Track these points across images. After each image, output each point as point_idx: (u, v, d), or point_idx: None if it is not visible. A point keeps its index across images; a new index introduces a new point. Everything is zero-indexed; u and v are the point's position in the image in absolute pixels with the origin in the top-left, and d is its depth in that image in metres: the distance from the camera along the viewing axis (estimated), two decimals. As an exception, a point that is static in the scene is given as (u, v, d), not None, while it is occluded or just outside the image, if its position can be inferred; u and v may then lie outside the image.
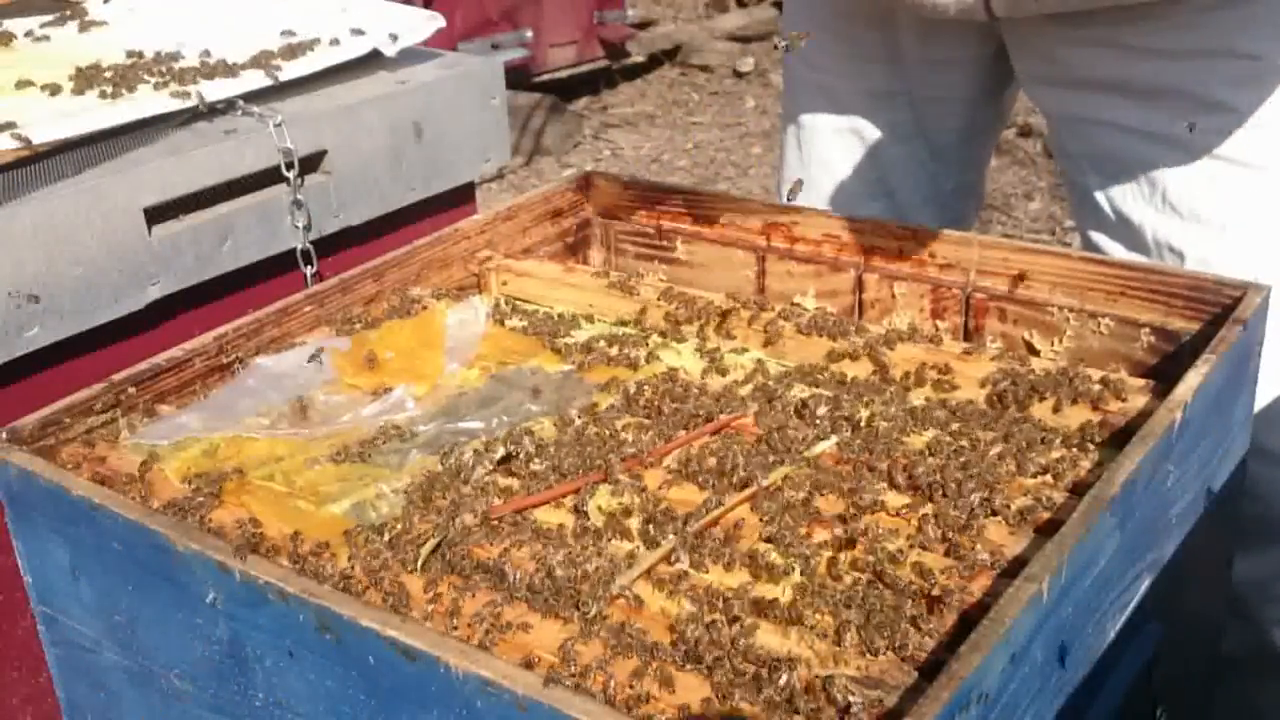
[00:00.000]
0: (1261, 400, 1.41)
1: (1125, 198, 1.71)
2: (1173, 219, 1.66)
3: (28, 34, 1.99)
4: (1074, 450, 1.19)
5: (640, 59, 6.72)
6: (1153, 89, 1.64)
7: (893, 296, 1.54)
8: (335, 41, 1.91)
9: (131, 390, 1.32)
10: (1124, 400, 1.25)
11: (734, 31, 7.07)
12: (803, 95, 2.02)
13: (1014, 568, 1.01)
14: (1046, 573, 0.92)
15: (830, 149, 1.98)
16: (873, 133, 1.94)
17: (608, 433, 1.26)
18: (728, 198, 1.69)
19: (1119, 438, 1.19)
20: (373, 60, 1.92)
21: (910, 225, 1.56)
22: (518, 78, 5.61)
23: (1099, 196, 1.75)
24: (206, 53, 1.85)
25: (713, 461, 1.20)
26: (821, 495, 1.14)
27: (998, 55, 1.82)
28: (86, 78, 1.75)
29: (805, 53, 2.00)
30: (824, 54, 1.94)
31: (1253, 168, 1.62)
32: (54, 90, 1.72)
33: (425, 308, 1.54)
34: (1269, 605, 1.75)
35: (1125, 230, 1.71)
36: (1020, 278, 1.46)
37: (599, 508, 1.14)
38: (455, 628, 0.99)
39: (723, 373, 1.39)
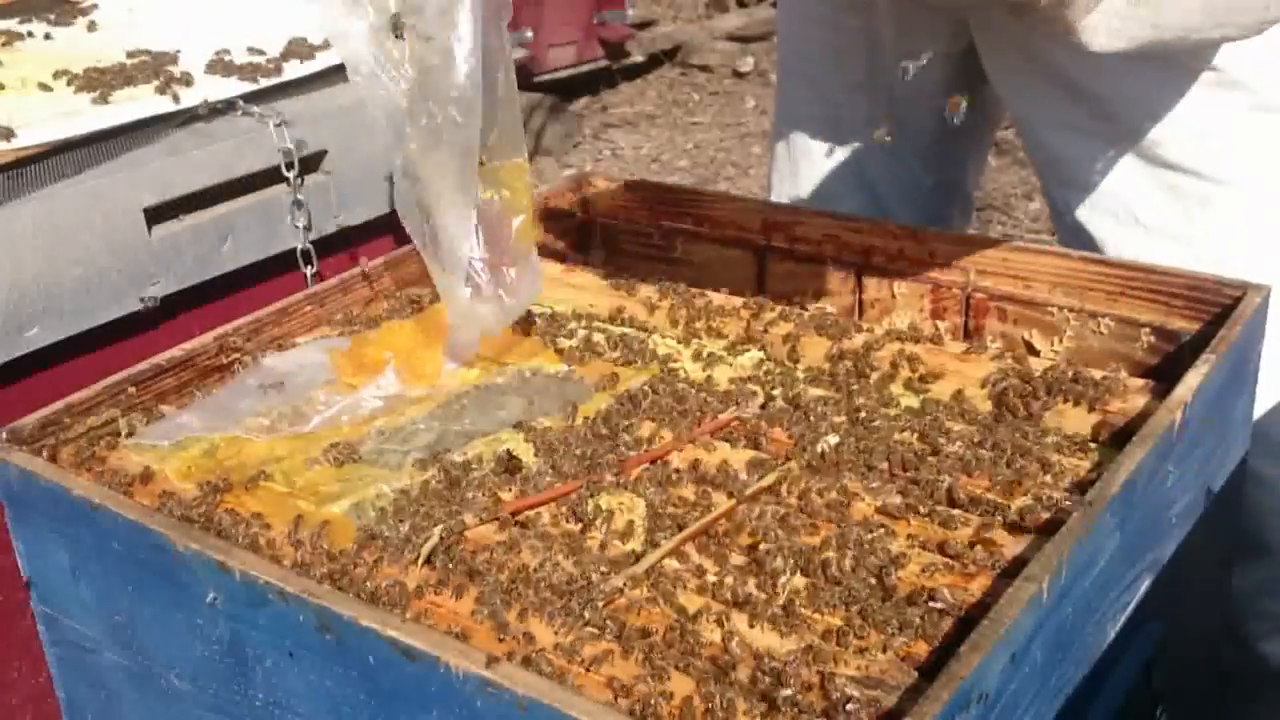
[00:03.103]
0: (1255, 413, 1.40)
1: (1084, 209, 1.68)
2: (1132, 229, 1.63)
3: (29, 34, 1.99)
4: (1074, 450, 1.19)
5: (640, 59, 6.71)
6: (1106, 95, 1.61)
7: (893, 296, 1.54)
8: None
9: (131, 390, 1.32)
10: (1124, 400, 1.25)
11: (734, 31, 7.06)
12: (791, 85, 2.02)
13: (1014, 568, 1.01)
14: (1046, 573, 0.92)
15: (813, 140, 1.97)
16: (853, 125, 1.92)
17: (608, 433, 1.26)
18: (728, 198, 1.69)
19: (1119, 438, 1.19)
20: (373, 60, 1.92)
21: (910, 225, 1.55)
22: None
23: (1060, 205, 1.73)
24: (207, 52, 1.85)
25: (712, 461, 1.20)
26: (821, 495, 1.14)
27: (971, 53, 1.80)
28: (86, 78, 1.75)
29: (795, 43, 1.99)
30: (811, 42, 1.94)
31: (1207, 178, 1.59)
32: (54, 90, 1.72)
33: (425, 308, 1.54)
34: (1256, 620, 1.73)
35: (1088, 239, 1.68)
36: (1020, 277, 1.46)
37: (599, 507, 1.14)
38: (455, 627, 0.99)
39: (723, 373, 1.39)
